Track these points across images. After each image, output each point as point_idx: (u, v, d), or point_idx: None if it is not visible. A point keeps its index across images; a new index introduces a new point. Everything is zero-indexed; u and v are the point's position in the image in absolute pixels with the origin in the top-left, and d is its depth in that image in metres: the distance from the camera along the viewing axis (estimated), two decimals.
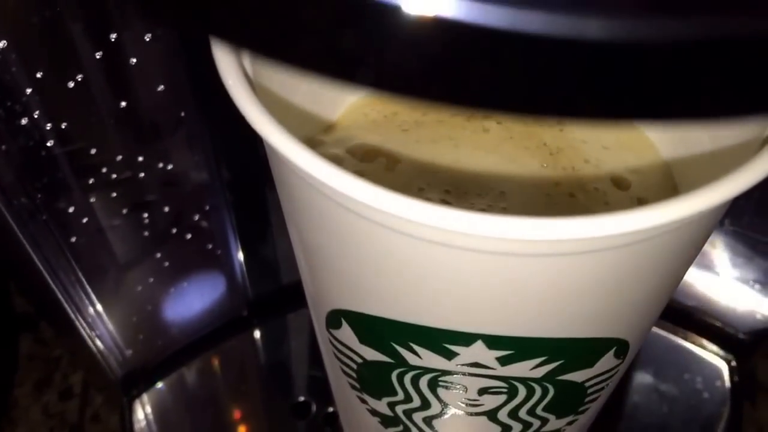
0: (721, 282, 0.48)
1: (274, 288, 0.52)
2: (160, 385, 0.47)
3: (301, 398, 0.47)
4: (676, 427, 0.46)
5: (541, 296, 0.21)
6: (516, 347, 0.24)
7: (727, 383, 0.48)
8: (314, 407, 0.47)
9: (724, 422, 0.46)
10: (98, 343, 0.43)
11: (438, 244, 0.20)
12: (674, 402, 0.47)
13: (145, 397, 0.47)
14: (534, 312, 0.22)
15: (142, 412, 0.46)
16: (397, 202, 0.18)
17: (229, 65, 0.22)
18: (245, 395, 0.48)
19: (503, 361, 0.25)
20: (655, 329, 0.50)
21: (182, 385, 0.48)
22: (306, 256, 0.27)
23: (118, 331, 0.44)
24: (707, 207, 0.19)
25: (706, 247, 0.47)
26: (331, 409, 0.46)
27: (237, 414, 0.47)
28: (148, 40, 0.34)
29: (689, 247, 0.23)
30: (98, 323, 0.43)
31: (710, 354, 0.49)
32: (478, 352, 0.24)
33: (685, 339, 0.49)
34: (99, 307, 0.42)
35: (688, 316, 0.49)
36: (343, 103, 0.33)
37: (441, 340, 0.24)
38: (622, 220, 0.18)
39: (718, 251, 0.47)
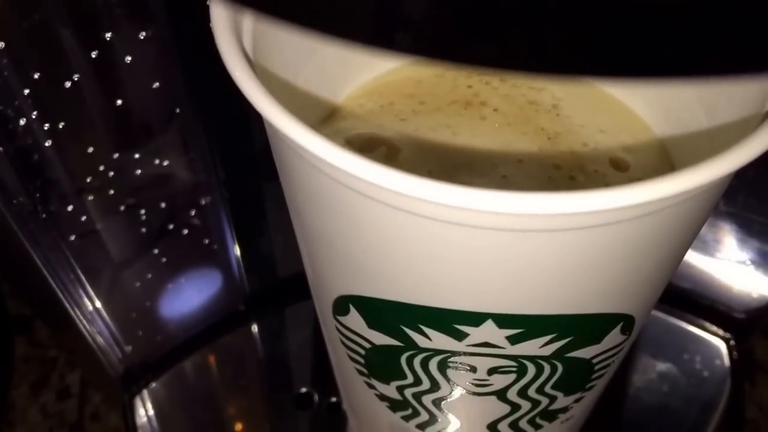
0: (718, 263, 0.48)
1: (271, 282, 0.52)
2: (160, 381, 0.47)
3: (303, 390, 0.48)
4: (677, 406, 0.47)
5: (549, 273, 0.22)
6: (526, 325, 0.24)
7: (727, 362, 0.48)
8: (316, 398, 0.47)
9: (725, 400, 0.47)
10: (98, 339, 0.43)
11: (446, 222, 0.20)
12: (675, 382, 0.48)
13: (145, 393, 0.47)
14: (543, 289, 0.22)
15: (143, 408, 0.46)
16: (406, 180, 0.19)
17: (232, 48, 0.22)
18: (246, 389, 0.48)
19: (513, 340, 0.25)
20: (653, 311, 0.50)
21: (183, 381, 0.48)
22: (310, 244, 0.27)
23: (118, 327, 0.44)
24: (704, 182, 0.19)
25: (702, 229, 0.47)
26: (334, 399, 0.47)
27: (239, 407, 0.47)
28: (141, 38, 0.34)
29: (692, 221, 0.23)
30: (97, 320, 0.43)
31: (709, 334, 0.49)
32: (489, 331, 0.24)
33: (683, 320, 0.50)
34: (98, 303, 0.42)
35: (685, 297, 0.50)
36: (341, 92, 0.34)
37: (451, 320, 0.24)
38: (622, 194, 0.18)
39: (714, 232, 0.47)
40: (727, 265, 0.48)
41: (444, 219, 0.20)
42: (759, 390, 0.52)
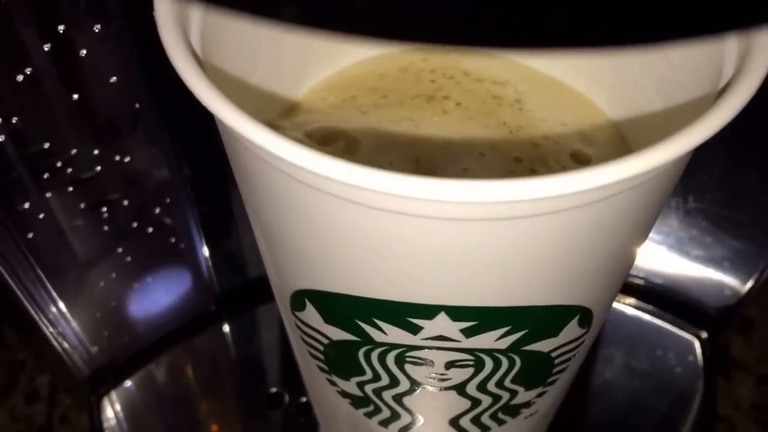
0: (689, 259, 0.48)
1: (242, 282, 0.51)
2: (129, 382, 0.47)
3: (274, 389, 0.47)
4: (650, 402, 0.47)
5: (498, 263, 0.21)
6: (479, 318, 0.24)
7: (700, 358, 0.48)
8: (287, 398, 0.47)
9: (699, 396, 0.47)
10: (62, 341, 0.43)
11: (391, 212, 0.20)
12: (647, 378, 0.47)
13: (113, 394, 0.46)
14: (494, 280, 0.22)
15: (112, 410, 0.46)
16: (340, 167, 0.18)
17: (175, 42, 0.22)
18: (217, 389, 0.48)
19: (468, 333, 0.25)
20: (625, 308, 0.50)
21: (152, 382, 0.47)
22: (266, 239, 0.27)
23: (83, 328, 0.44)
24: (654, 166, 0.19)
25: (673, 225, 0.47)
26: (304, 399, 0.46)
27: (209, 408, 0.47)
28: (98, 33, 0.33)
29: (645, 209, 0.23)
30: (61, 321, 0.42)
31: (682, 330, 0.49)
32: (442, 324, 0.24)
33: (656, 316, 0.50)
34: (61, 305, 0.42)
35: (658, 294, 0.50)
36: (301, 87, 0.33)
37: (404, 314, 0.24)
38: (571, 179, 0.18)
39: (685, 229, 0.47)
40: (699, 261, 0.48)
41: (388, 209, 0.20)
42: (734, 386, 0.52)
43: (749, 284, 0.47)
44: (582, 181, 0.18)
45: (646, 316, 0.50)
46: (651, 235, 0.46)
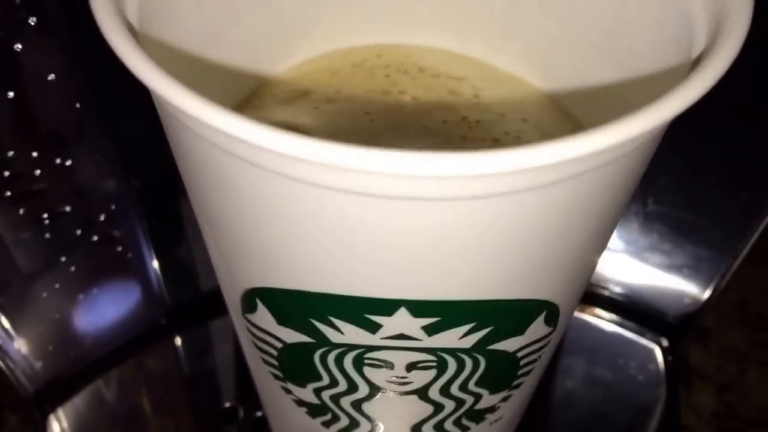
0: (649, 267, 0.48)
1: (193, 294, 0.50)
2: (77, 398, 0.45)
3: (228, 404, 0.46)
4: (612, 412, 0.46)
5: (461, 250, 0.20)
6: (441, 313, 0.23)
7: (661, 366, 0.48)
8: (242, 412, 0.45)
9: (661, 404, 0.46)
10: (5, 357, 0.41)
11: (343, 191, 0.18)
12: (609, 387, 0.47)
13: (60, 412, 0.44)
14: (456, 269, 0.21)
15: (59, 427, 0.44)
16: (281, 138, 0.17)
17: (108, 14, 0.20)
18: (169, 405, 0.46)
19: (430, 331, 0.23)
20: (586, 317, 0.49)
21: (101, 399, 0.46)
22: (213, 235, 0.25)
23: (26, 343, 0.42)
24: (636, 134, 0.17)
25: (632, 232, 0.47)
26: (259, 413, 0.45)
27: (162, 425, 0.45)
28: (32, 24, 0.32)
29: (614, 192, 0.22)
30: (3, 336, 0.40)
31: (642, 338, 0.49)
32: (403, 321, 0.23)
33: (616, 325, 0.49)
34: (3, 319, 0.40)
35: (618, 302, 0.50)
36: (251, 83, 0.32)
37: (362, 310, 0.23)
38: (542, 151, 0.17)
39: (644, 236, 0.47)
40: (659, 269, 0.48)
41: (340, 187, 0.18)
42: (695, 395, 0.52)
43: (709, 291, 0.47)
44: (552, 152, 0.17)
45: (607, 325, 0.50)
46: (609, 243, 0.46)
